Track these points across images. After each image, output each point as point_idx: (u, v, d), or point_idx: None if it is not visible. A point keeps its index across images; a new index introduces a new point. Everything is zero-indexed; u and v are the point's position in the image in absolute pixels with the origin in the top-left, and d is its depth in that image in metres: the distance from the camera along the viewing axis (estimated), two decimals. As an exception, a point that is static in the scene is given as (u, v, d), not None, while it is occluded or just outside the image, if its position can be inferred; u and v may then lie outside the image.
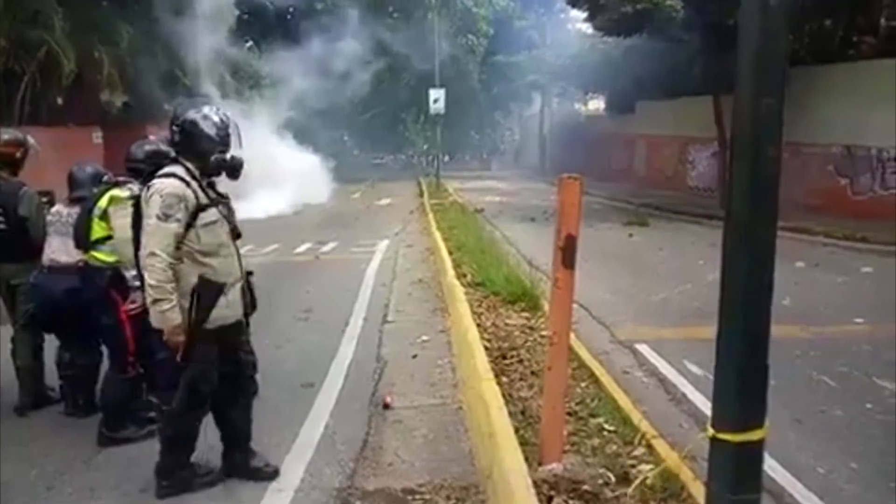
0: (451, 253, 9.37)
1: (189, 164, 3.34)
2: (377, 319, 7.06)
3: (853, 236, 12.37)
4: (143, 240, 3.21)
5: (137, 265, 3.34)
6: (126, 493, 3.53)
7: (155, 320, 3.22)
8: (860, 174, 15.21)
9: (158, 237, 3.16)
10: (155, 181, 3.27)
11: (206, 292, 3.26)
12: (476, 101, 39.09)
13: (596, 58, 28.77)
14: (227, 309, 3.35)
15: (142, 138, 4.68)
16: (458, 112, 33.61)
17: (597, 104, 38.20)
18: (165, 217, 3.17)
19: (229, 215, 3.45)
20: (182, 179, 3.26)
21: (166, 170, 3.33)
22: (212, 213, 3.32)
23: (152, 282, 3.15)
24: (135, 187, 4.03)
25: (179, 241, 3.21)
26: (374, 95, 34.23)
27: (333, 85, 24.90)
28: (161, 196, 3.18)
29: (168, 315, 3.17)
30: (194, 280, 3.24)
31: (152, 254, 3.15)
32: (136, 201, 3.41)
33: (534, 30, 39.79)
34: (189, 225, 3.23)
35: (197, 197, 3.27)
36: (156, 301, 3.16)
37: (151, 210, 3.18)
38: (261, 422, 4.35)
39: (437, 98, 25.52)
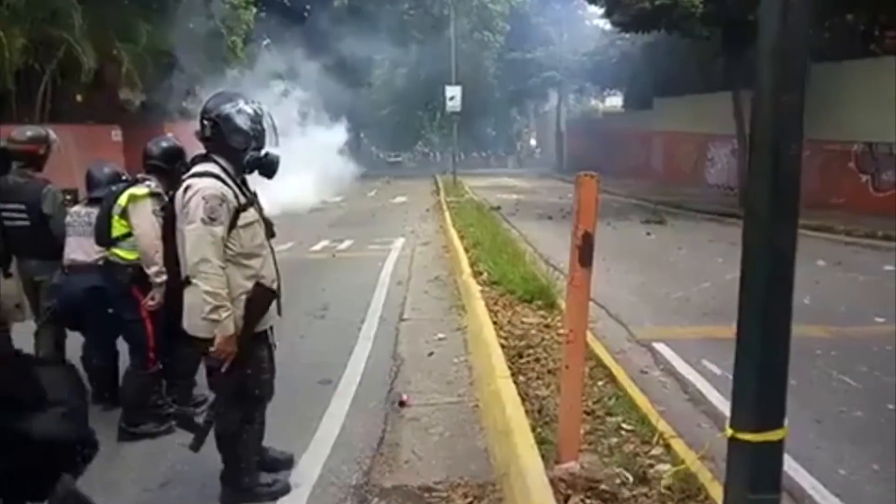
0: (467, 251, 9.36)
1: (222, 162, 3.14)
2: (393, 317, 7.08)
3: (875, 234, 12.22)
4: (188, 245, 3.01)
5: (174, 264, 3.21)
6: (146, 487, 3.57)
7: (206, 329, 3.02)
8: (882, 171, 15.02)
9: (207, 242, 2.98)
10: (192, 181, 3.06)
11: (261, 299, 3.15)
12: (492, 99, 39.07)
13: (613, 54, 28.65)
14: (269, 312, 3.25)
15: (159, 136, 4.71)
16: (474, 109, 33.61)
17: (614, 101, 38.03)
18: (211, 221, 2.97)
19: (262, 214, 3.30)
20: (219, 178, 3.07)
21: (200, 168, 3.13)
22: (251, 213, 3.16)
23: (208, 288, 2.95)
24: (153, 184, 4.06)
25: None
26: (390, 93, 34.33)
27: (350, 82, 24.96)
28: (204, 198, 2.98)
29: (226, 324, 2.99)
30: (241, 283, 3.09)
31: (204, 260, 2.96)
32: (170, 200, 3.27)
33: (550, 26, 39.68)
34: (231, 226, 3.06)
35: (236, 196, 3.09)
36: (215, 309, 2.96)
37: (195, 214, 2.98)
38: (278, 419, 4.37)
39: (453, 95, 25.51)
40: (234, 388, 3.16)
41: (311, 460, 3.83)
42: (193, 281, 3.01)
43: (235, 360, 3.07)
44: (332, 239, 12.86)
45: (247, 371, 3.19)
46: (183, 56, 17.05)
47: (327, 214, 17.32)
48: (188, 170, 4.01)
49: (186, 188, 3.05)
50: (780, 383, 1.95)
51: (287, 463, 3.68)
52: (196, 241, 2.99)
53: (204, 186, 3.02)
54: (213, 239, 2.99)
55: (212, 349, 3.03)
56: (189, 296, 3.10)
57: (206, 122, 3.13)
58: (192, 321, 3.09)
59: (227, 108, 3.12)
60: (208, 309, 2.97)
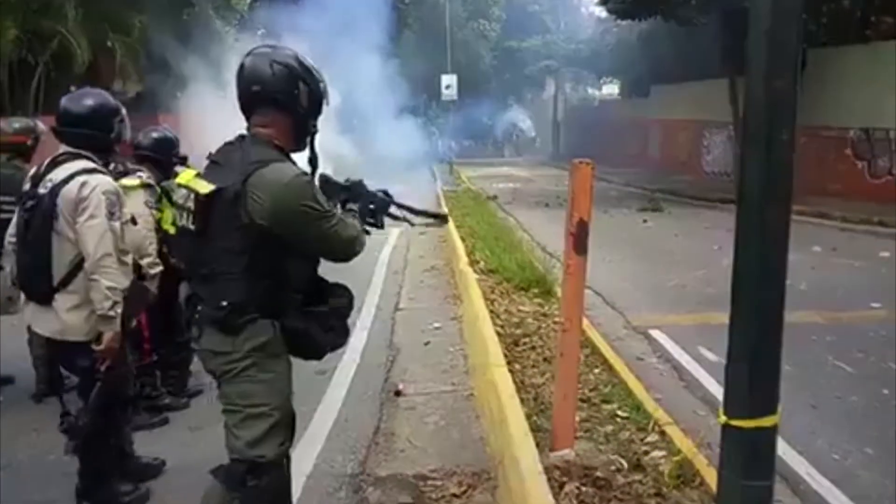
0: (463, 240, 9.35)
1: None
2: (389, 307, 7.07)
3: (870, 220, 12.23)
4: (92, 240, 2.90)
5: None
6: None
7: (108, 328, 2.95)
8: (878, 157, 15.01)
9: (112, 238, 2.99)
10: (90, 177, 2.93)
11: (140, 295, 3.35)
12: (488, 87, 38.87)
13: (610, 42, 28.55)
14: None
15: (150, 126, 4.65)
16: (470, 98, 33.45)
17: (611, 89, 37.92)
18: (113, 216, 2.99)
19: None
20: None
21: (88, 165, 2.98)
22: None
23: (110, 284, 2.94)
24: (144, 175, 4.03)
25: None
26: (385, 81, 34.17)
27: (344, 70, 24.83)
28: (106, 194, 2.94)
29: (116, 322, 3.01)
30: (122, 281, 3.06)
31: (108, 254, 2.93)
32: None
33: (547, 14, 39.49)
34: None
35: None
36: (112, 308, 2.98)
37: (99, 209, 2.91)
38: (274, 409, 4.38)
39: (448, 84, 25.42)
40: (112, 390, 3.05)
41: (307, 450, 3.82)
42: (94, 276, 2.89)
43: (116, 359, 3.02)
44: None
45: (123, 371, 3.15)
46: (177, 47, 16.93)
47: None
48: (184, 161, 3.95)
49: (83, 184, 2.93)
50: (773, 370, 1.94)
51: (157, 469, 3.52)
52: (101, 235, 2.90)
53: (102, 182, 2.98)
54: (115, 234, 2.95)
55: (99, 347, 2.94)
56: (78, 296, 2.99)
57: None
58: (73, 321, 2.98)
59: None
60: (109, 305, 2.89)
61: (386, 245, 10.97)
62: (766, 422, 1.93)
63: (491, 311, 5.81)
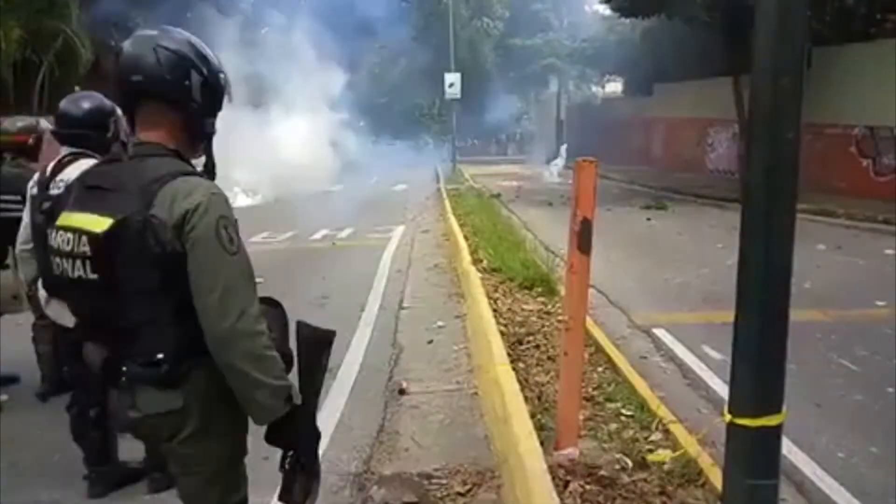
0: (467, 238, 9.35)
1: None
2: (393, 305, 7.08)
3: (875, 218, 12.20)
4: None
5: None
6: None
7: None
8: (883, 155, 14.96)
9: None
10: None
11: None
12: (492, 86, 38.86)
13: (613, 40, 28.47)
14: None
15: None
16: (473, 96, 33.45)
17: (614, 87, 37.82)
18: None
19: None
20: None
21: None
22: None
23: None
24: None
25: None
26: (389, 80, 34.21)
27: (348, 69, 24.84)
28: None
29: None
30: None
31: None
32: None
33: (550, 12, 39.47)
34: None
35: None
36: None
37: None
38: (278, 407, 4.38)
39: (452, 82, 25.42)
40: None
41: (312, 448, 3.84)
42: None
43: None
44: (332, 227, 12.84)
45: None
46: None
47: (326, 203, 17.27)
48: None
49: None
50: (779, 368, 1.94)
51: (141, 473, 3.54)
52: None
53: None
54: None
55: None
56: None
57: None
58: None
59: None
60: None
61: (389, 244, 10.99)
62: (772, 420, 1.92)
63: (494, 310, 5.82)
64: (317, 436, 1.94)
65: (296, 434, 1.84)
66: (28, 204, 3.35)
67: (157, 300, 1.73)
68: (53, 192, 3.06)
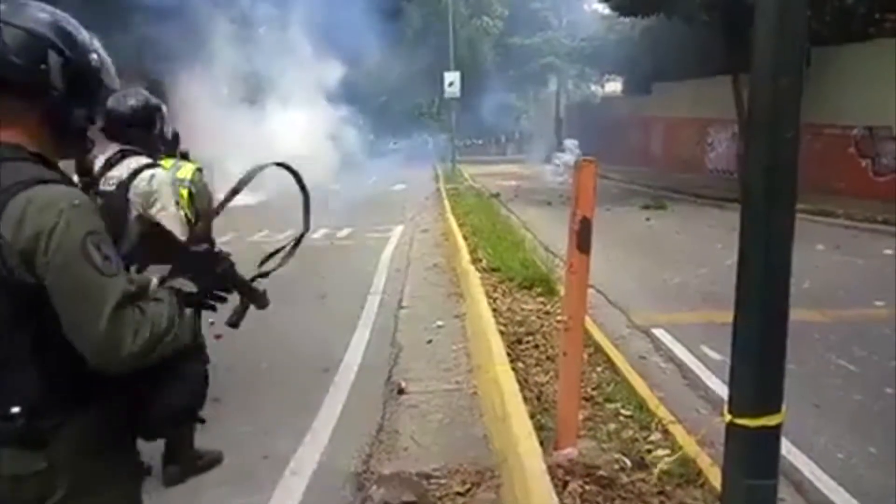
0: (466, 238, 9.35)
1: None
2: (392, 305, 7.07)
3: (874, 218, 12.22)
4: (171, 227, 3.18)
5: None
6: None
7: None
8: (882, 155, 14.98)
9: (183, 225, 3.26)
10: (155, 170, 3.22)
11: None
12: (491, 85, 38.88)
13: (612, 39, 28.48)
14: None
15: None
16: (473, 95, 33.44)
17: (614, 86, 37.83)
18: (177, 204, 3.27)
19: None
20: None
21: (146, 160, 3.26)
22: None
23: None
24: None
25: None
26: (388, 79, 34.16)
27: (348, 68, 24.81)
28: (171, 185, 3.25)
29: None
30: None
31: None
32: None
33: (549, 11, 39.49)
34: None
35: None
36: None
37: (169, 199, 3.20)
38: (277, 406, 4.40)
39: (451, 81, 25.37)
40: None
41: (310, 447, 3.84)
42: None
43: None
44: (331, 226, 12.83)
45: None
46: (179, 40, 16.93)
47: (325, 202, 17.23)
48: (185, 156, 4.00)
49: (152, 176, 3.20)
50: (778, 368, 1.94)
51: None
52: (175, 224, 3.15)
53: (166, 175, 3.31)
54: (182, 222, 3.29)
55: None
56: None
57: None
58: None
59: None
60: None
61: (388, 243, 10.99)
62: (771, 420, 1.92)
63: (493, 310, 5.81)
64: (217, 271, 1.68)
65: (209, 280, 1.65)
66: None
67: (6, 337, 1.37)
68: (105, 188, 3.17)
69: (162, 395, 1.53)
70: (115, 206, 3.11)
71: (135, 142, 3.28)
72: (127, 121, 3.26)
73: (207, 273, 1.64)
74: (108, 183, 3.19)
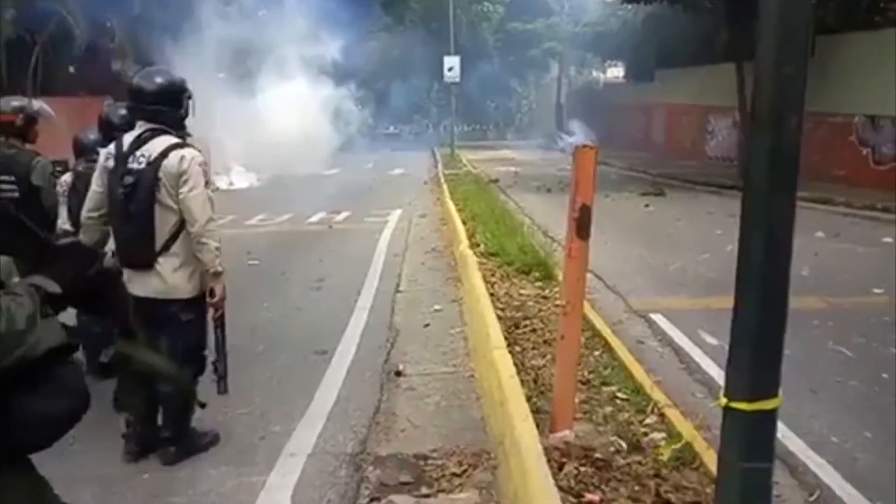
0: (464, 223, 9.34)
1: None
2: (390, 289, 7.08)
3: (874, 206, 12.21)
4: (198, 207, 3.23)
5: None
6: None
7: (218, 283, 3.35)
8: (882, 144, 14.93)
9: (210, 204, 3.30)
10: (185, 151, 3.26)
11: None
12: (492, 70, 38.66)
13: (615, 24, 28.32)
14: None
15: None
16: (473, 80, 33.28)
17: (616, 72, 37.63)
18: (207, 184, 3.31)
19: None
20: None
21: (175, 139, 3.30)
22: None
23: (217, 244, 3.29)
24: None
25: None
26: (387, 63, 34.02)
27: (346, 52, 24.68)
28: (200, 165, 3.27)
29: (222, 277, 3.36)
30: None
31: (212, 219, 3.29)
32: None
33: (551, -4, 39.14)
34: None
35: None
36: (219, 264, 3.32)
37: (199, 179, 3.24)
38: (274, 389, 4.41)
39: (451, 66, 25.26)
40: (200, 340, 3.50)
41: (307, 429, 3.85)
42: (203, 240, 3.25)
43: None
44: (329, 210, 12.81)
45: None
46: (175, 24, 16.82)
47: (323, 186, 17.22)
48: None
49: (182, 158, 3.24)
50: (776, 353, 1.94)
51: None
52: (203, 203, 3.26)
53: (197, 154, 3.31)
54: (211, 201, 3.34)
55: (214, 299, 3.37)
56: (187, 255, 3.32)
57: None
58: (177, 281, 3.32)
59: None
60: (218, 262, 3.28)
61: (386, 227, 10.97)
62: (768, 405, 1.93)
63: (491, 294, 5.81)
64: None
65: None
66: (98, 175, 3.42)
67: None
68: (134, 166, 3.22)
69: (32, 404, 1.31)
70: (143, 185, 3.22)
71: (164, 121, 3.31)
72: (155, 99, 3.29)
73: (75, 274, 1.41)
74: (138, 160, 3.24)
